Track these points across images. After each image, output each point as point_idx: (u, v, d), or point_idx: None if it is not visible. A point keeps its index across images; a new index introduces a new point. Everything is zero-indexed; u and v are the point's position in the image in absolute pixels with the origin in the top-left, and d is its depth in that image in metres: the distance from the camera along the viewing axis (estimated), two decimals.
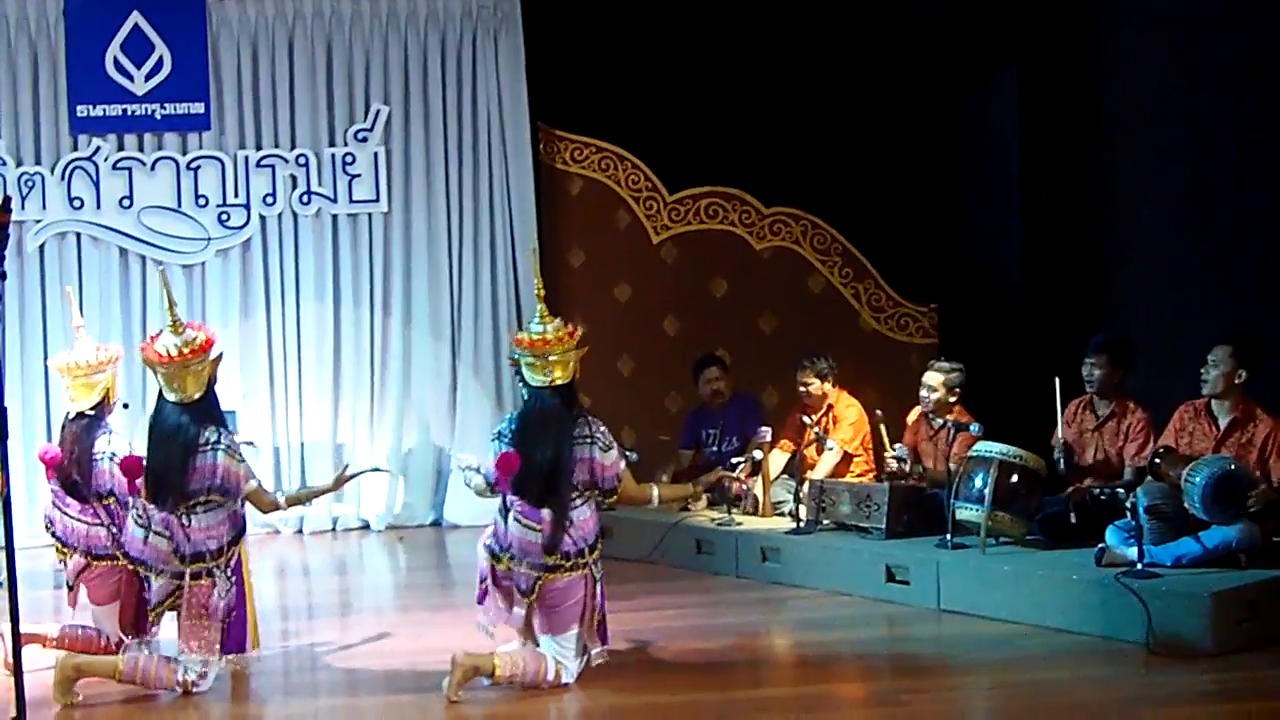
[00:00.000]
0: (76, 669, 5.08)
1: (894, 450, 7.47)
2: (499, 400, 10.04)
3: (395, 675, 5.49)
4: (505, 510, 5.14)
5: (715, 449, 8.43)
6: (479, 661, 5.01)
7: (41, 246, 9.65)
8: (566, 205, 10.22)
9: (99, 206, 9.70)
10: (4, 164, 9.59)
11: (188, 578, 5.11)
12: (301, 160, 9.88)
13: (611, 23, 9.85)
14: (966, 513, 6.54)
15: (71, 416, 5.66)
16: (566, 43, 9.94)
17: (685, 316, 10.13)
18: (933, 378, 7.49)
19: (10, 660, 5.11)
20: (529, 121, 10.06)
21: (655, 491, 5.35)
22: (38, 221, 9.63)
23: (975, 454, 6.68)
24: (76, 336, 5.84)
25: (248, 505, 5.30)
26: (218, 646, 5.12)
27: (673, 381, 9.77)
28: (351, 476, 5.73)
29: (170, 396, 5.22)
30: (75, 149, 9.71)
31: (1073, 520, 6.42)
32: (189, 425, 5.17)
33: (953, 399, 7.41)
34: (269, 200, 9.87)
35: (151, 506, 5.16)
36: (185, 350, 5.20)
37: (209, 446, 5.14)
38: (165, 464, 5.18)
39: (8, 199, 3.67)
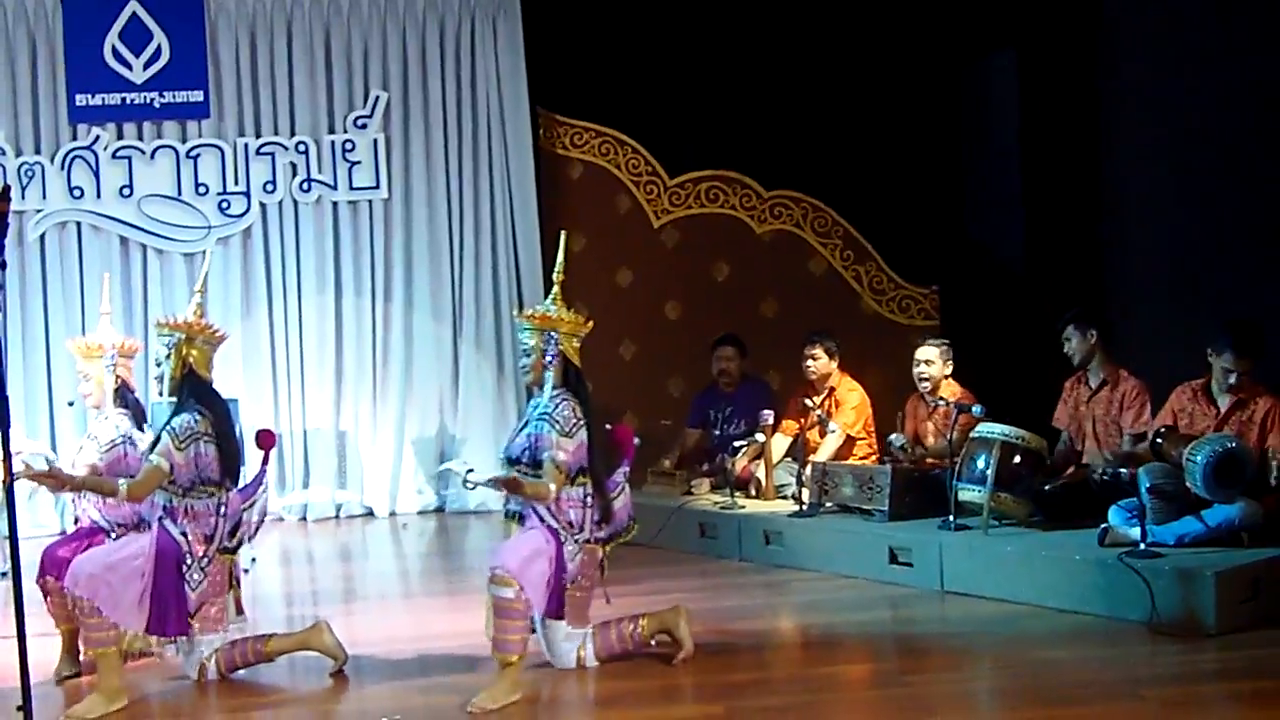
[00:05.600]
0: None
1: (891, 441, 7.51)
2: (501, 386, 10.04)
3: (400, 662, 5.50)
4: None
5: (721, 431, 8.43)
6: None
7: (42, 236, 9.65)
8: (567, 190, 10.21)
9: (99, 196, 9.70)
10: (3, 153, 9.58)
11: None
12: (301, 147, 9.88)
13: (610, 7, 9.82)
14: (969, 494, 6.56)
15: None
16: (565, 27, 9.92)
17: (687, 301, 10.13)
18: (927, 352, 7.52)
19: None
20: (529, 107, 10.05)
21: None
22: (38, 211, 9.63)
23: (977, 435, 6.69)
24: (100, 323, 5.89)
25: None
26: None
27: (674, 366, 9.78)
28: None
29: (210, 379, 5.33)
30: (74, 138, 9.71)
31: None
32: None
33: (948, 371, 7.45)
34: (269, 188, 9.87)
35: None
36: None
37: None
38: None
39: (7, 188, 3.69)
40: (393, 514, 9.84)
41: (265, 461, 5.50)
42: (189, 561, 5.11)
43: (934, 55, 10.17)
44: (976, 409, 6.90)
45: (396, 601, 7.22)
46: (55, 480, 5.18)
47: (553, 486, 4.97)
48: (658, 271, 10.17)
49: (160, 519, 5.14)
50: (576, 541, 5.08)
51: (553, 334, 5.13)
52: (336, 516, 9.84)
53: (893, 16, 9.99)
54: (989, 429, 6.66)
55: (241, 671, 5.31)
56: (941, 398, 7.36)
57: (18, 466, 5.50)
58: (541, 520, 5.02)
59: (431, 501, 9.90)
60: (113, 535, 5.44)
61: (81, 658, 5.33)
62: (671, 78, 10.00)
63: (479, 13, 10.08)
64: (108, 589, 4.93)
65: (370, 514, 9.87)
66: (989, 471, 6.46)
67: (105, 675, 4.92)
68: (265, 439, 5.50)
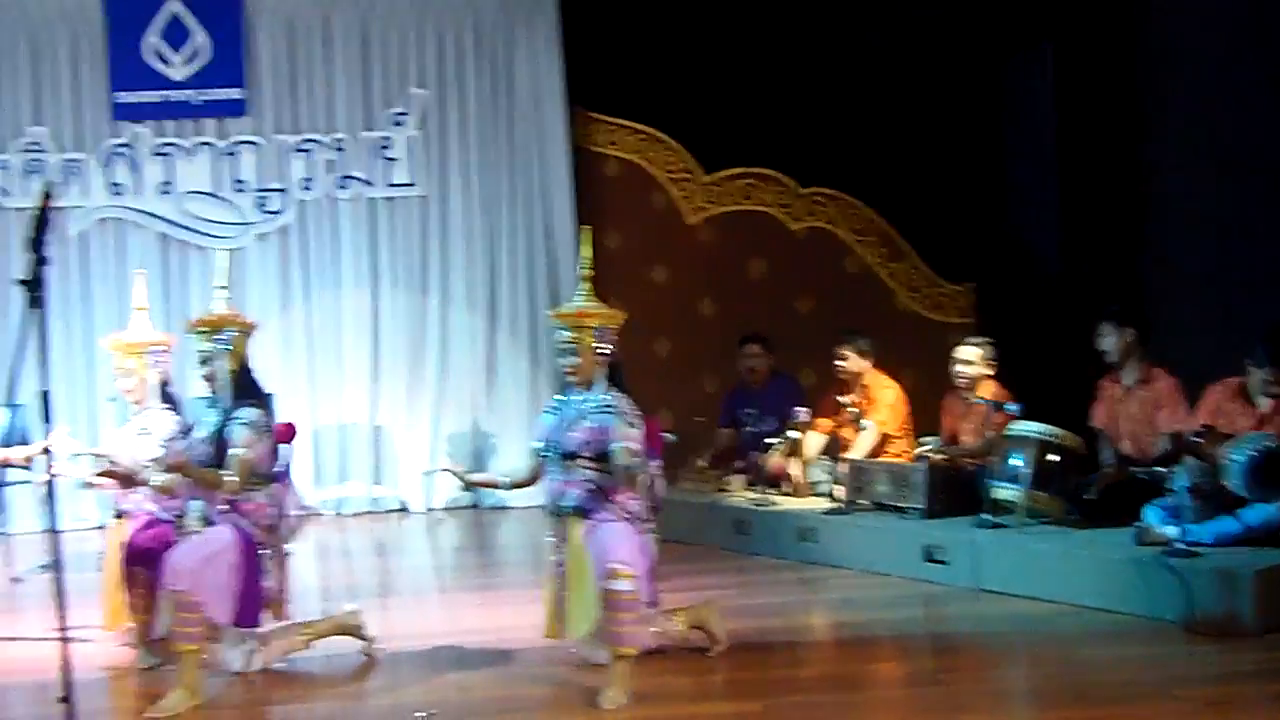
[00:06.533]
0: None
1: (924, 445, 7.49)
2: (535, 382, 10.08)
3: (434, 657, 5.53)
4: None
5: (753, 429, 8.42)
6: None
7: (84, 232, 9.75)
8: (602, 187, 10.23)
9: (140, 192, 9.80)
10: (46, 151, 9.69)
11: None
12: (339, 144, 9.95)
13: (646, 4, 9.83)
14: (1005, 492, 6.53)
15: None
16: (601, 25, 9.94)
17: (722, 298, 10.14)
18: (968, 352, 7.47)
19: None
20: (565, 104, 10.08)
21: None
22: (79, 208, 9.73)
23: (1013, 433, 6.66)
24: (134, 319, 5.94)
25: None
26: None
27: (709, 363, 9.77)
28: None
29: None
30: (116, 135, 9.80)
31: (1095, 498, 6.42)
32: None
33: (989, 371, 7.40)
34: (307, 185, 9.94)
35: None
36: None
37: None
38: None
39: (50, 187, 3.73)
40: (429, 509, 9.89)
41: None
42: (260, 554, 5.16)
43: (972, 50, 10.12)
44: (1012, 407, 6.88)
45: (431, 596, 7.27)
46: (126, 475, 5.35)
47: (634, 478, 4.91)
48: (692, 268, 10.18)
49: (226, 512, 5.16)
50: (646, 531, 5.08)
51: (606, 329, 5.12)
52: (372, 511, 9.90)
53: (931, 11, 9.95)
54: (1025, 427, 6.63)
55: (278, 664, 5.36)
56: (979, 396, 7.33)
57: (97, 465, 5.60)
58: (617, 513, 4.98)
59: (465, 497, 9.94)
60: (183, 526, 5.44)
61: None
62: (707, 75, 10.00)
63: (516, 10, 10.12)
64: (207, 582, 4.94)
65: (405, 509, 9.92)
66: (1025, 470, 6.44)
67: (189, 670, 4.92)
68: (285, 432, 5.53)
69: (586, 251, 5.30)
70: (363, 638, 5.53)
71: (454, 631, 5.90)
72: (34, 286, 3.38)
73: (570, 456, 4.99)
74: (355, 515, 9.82)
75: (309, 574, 7.83)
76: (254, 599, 5.11)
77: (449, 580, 7.84)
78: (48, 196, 3.56)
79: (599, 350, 5.05)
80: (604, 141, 10.30)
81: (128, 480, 5.55)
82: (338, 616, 5.59)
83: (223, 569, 5.01)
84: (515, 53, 10.14)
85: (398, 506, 9.95)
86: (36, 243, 3.44)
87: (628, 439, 4.91)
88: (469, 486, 5.40)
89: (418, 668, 5.39)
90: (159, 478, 5.38)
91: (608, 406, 5.00)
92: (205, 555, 4.99)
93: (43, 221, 3.47)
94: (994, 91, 10.36)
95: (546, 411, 5.24)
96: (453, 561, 8.51)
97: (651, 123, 10.22)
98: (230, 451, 5.06)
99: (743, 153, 10.24)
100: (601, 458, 4.95)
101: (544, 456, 5.11)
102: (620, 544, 4.85)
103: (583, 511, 4.99)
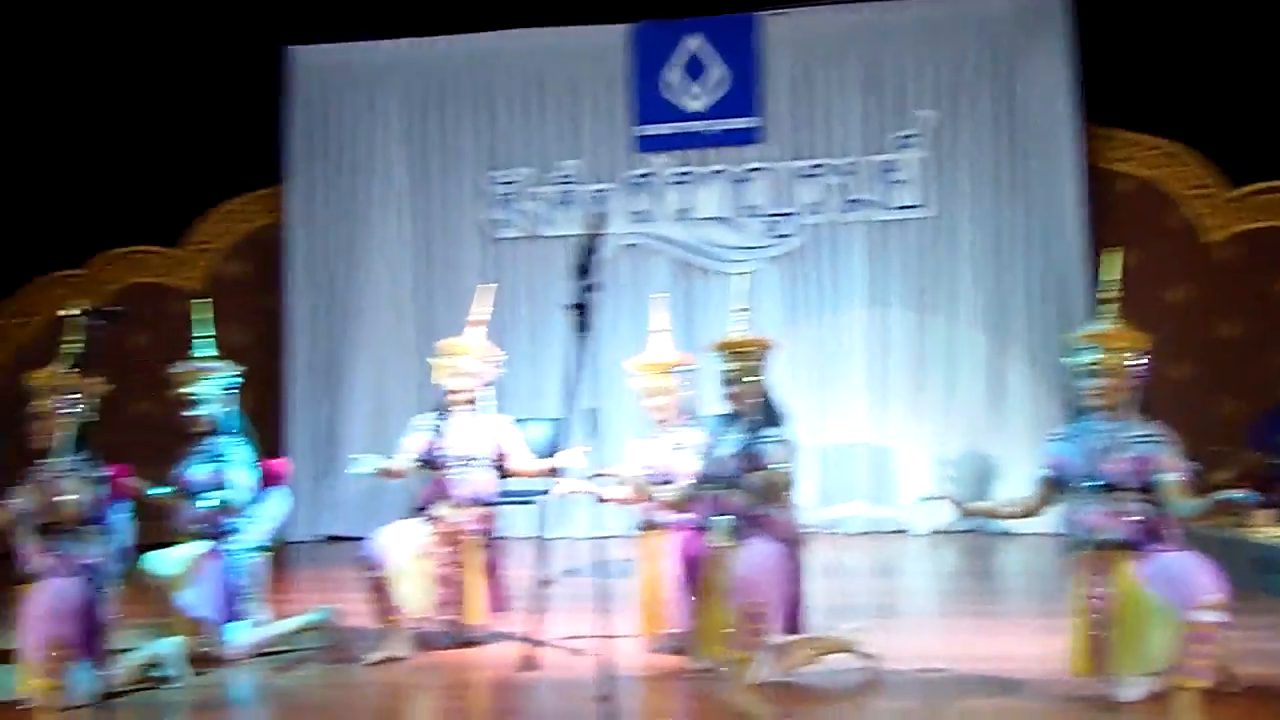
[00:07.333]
0: None
1: None
2: (1045, 403, 9.82)
3: (935, 679, 5.46)
4: None
5: None
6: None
7: (610, 257, 10.41)
8: (1115, 204, 9.87)
9: (659, 219, 10.37)
10: (577, 183, 10.46)
11: None
12: (848, 168, 10.13)
13: (1164, 13, 9.40)
14: None
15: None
16: (1116, 38, 9.60)
17: (1245, 319, 9.53)
18: None
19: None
20: (1075, 120, 9.79)
21: None
22: (605, 234, 10.39)
23: None
24: (651, 341, 6.31)
25: None
26: None
27: (1230, 387, 9.23)
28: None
29: None
30: (637, 166, 10.44)
31: None
32: None
33: None
34: (816, 208, 10.17)
35: None
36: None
37: None
38: None
39: (601, 216, 3.98)
40: (930, 531, 9.85)
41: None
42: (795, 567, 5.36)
43: None
44: None
45: (932, 620, 7.21)
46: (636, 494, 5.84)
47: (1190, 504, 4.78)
48: (1213, 288, 9.63)
49: (754, 527, 5.31)
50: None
51: (1137, 352, 4.97)
52: (872, 531, 9.97)
53: None
54: None
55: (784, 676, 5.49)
56: None
57: (603, 483, 5.98)
58: (1171, 544, 4.84)
59: (969, 520, 9.81)
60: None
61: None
62: (1231, 83, 9.44)
63: (1025, 27, 9.95)
64: (771, 594, 5.16)
65: (905, 530, 9.92)
66: None
67: (747, 675, 5.13)
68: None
69: (1112, 274, 5.14)
70: (864, 656, 5.61)
71: (955, 656, 5.83)
72: (581, 310, 3.61)
73: (1109, 488, 4.86)
74: (855, 535, 9.93)
75: (811, 591, 7.97)
76: (796, 610, 5.26)
77: (950, 604, 7.77)
78: (597, 225, 3.78)
79: (1132, 374, 4.90)
80: (1116, 158, 9.94)
81: (638, 498, 5.89)
82: (841, 634, 5.68)
83: (780, 581, 5.19)
84: (1024, 70, 9.97)
85: (898, 528, 9.97)
86: (585, 270, 3.67)
87: (1178, 469, 4.77)
88: (968, 514, 5.31)
89: (917, 690, 5.37)
90: (669, 492, 5.68)
91: (1150, 436, 4.85)
92: (768, 567, 5.16)
93: (591, 249, 3.71)
94: None
95: (1057, 439, 5.11)
96: (953, 586, 8.42)
97: (1171, 135, 9.78)
98: (767, 467, 5.17)
99: (1272, 166, 9.56)
100: (1144, 488, 4.82)
101: (1070, 488, 4.97)
102: (1200, 574, 4.66)
103: (1130, 546, 4.83)
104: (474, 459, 6.25)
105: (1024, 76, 9.98)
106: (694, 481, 5.51)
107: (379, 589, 5.98)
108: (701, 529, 5.46)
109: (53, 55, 10.28)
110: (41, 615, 5.13)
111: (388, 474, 6.24)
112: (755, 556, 5.16)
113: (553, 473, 6.20)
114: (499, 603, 6.29)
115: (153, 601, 5.86)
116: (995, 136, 10.03)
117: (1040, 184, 9.94)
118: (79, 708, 5.03)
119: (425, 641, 6.15)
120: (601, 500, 6.15)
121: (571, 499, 6.33)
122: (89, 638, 5.22)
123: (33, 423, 5.39)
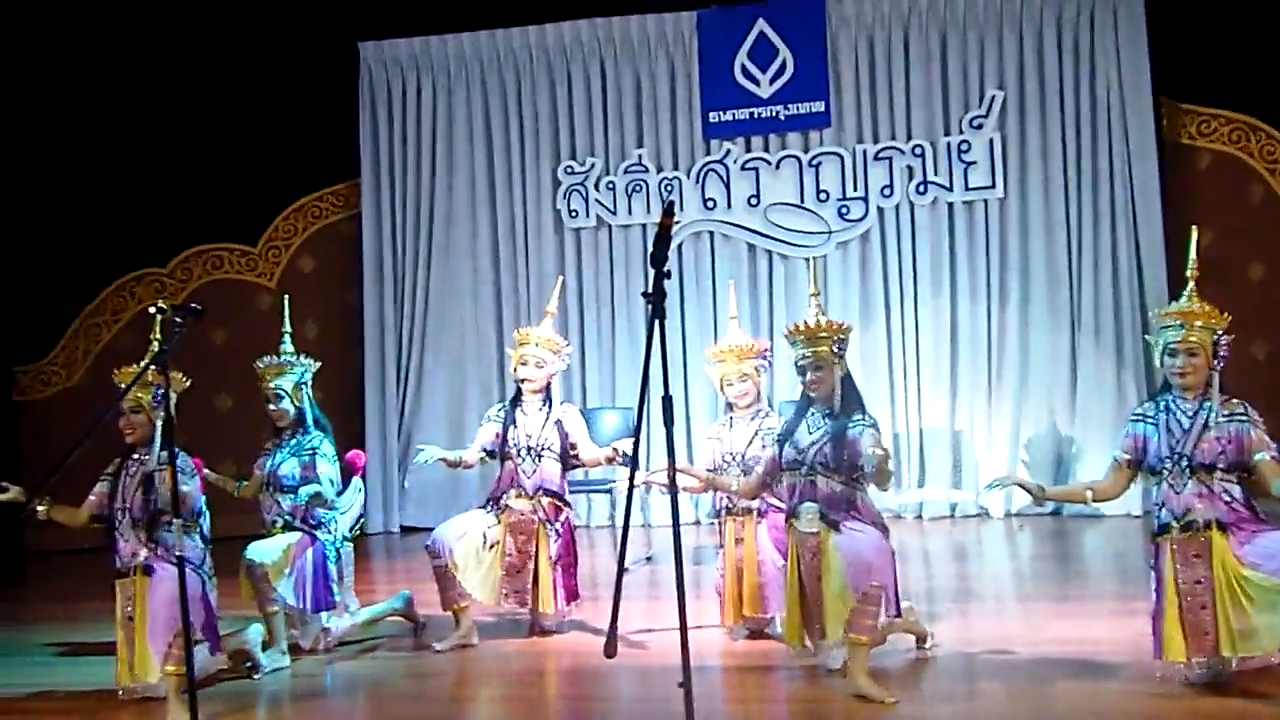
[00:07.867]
0: None
1: None
2: (1120, 385, 9.72)
3: (1015, 663, 5.46)
4: None
5: None
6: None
7: (680, 245, 10.45)
8: (1193, 181, 9.75)
9: (729, 206, 10.38)
10: (647, 171, 10.49)
11: None
12: (918, 151, 10.08)
13: None
14: None
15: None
16: (1192, 10, 9.45)
17: None
18: None
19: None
20: (1151, 96, 9.68)
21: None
22: (676, 222, 10.42)
23: None
24: (729, 327, 6.36)
25: None
26: None
27: None
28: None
29: None
30: (708, 153, 10.45)
31: None
32: None
33: None
34: (886, 192, 10.14)
35: None
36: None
37: None
38: None
39: (671, 205, 4.00)
40: (1008, 514, 9.80)
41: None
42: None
43: None
44: None
45: (1011, 603, 7.18)
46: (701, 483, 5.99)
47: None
48: None
49: (844, 513, 5.27)
50: None
51: (1219, 331, 4.92)
52: (951, 515, 9.93)
53: None
54: None
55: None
56: None
57: (657, 475, 6.01)
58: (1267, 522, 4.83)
59: (1047, 503, 9.73)
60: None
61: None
62: None
63: (1098, 4, 9.82)
64: (888, 576, 5.12)
65: (985, 514, 9.87)
66: None
67: (865, 661, 5.08)
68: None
69: (1192, 252, 5.10)
70: (921, 635, 5.64)
71: (1035, 640, 5.81)
72: (657, 298, 3.65)
73: (1200, 468, 4.81)
74: (934, 519, 9.89)
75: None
76: (895, 594, 5.24)
77: (1029, 588, 7.72)
78: (669, 215, 3.81)
79: (1215, 352, 4.86)
80: (1194, 133, 9.79)
81: (711, 486, 5.93)
82: (907, 616, 5.64)
83: (891, 564, 5.17)
84: (1097, 47, 9.85)
85: (976, 511, 9.92)
86: (659, 258, 3.71)
87: (1270, 448, 4.74)
88: (1042, 500, 5.26)
89: (999, 674, 5.34)
90: (744, 480, 5.71)
91: (1237, 414, 4.82)
92: (880, 549, 5.11)
93: (665, 238, 3.74)
94: None
95: (1137, 419, 5.04)
96: (1032, 569, 8.35)
97: (1249, 110, 9.60)
98: (867, 452, 5.06)
99: None
100: (1234, 468, 4.78)
101: (1154, 469, 4.91)
102: None
103: (1223, 526, 4.76)
104: (544, 449, 6.31)
105: (1099, 50, 9.85)
106: (772, 468, 5.50)
107: (444, 578, 6.13)
108: (787, 515, 5.43)
109: (135, 59, 10.47)
110: (160, 604, 5.27)
111: (453, 464, 6.34)
112: (865, 541, 5.12)
113: (613, 460, 6.26)
114: (570, 592, 6.36)
115: (244, 591, 6.00)
116: (1067, 115, 9.91)
117: (1116, 163, 9.81)
118: (202, 688, 5.08)
119: (497, 630, 6.23)
120: (671, 489, 6.16)
121: (645, 487, 6.35)
122: (204, 625, 5.38)
123: (121, 419, 5.55)
